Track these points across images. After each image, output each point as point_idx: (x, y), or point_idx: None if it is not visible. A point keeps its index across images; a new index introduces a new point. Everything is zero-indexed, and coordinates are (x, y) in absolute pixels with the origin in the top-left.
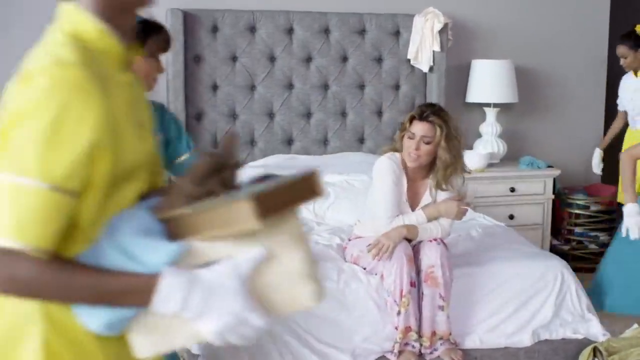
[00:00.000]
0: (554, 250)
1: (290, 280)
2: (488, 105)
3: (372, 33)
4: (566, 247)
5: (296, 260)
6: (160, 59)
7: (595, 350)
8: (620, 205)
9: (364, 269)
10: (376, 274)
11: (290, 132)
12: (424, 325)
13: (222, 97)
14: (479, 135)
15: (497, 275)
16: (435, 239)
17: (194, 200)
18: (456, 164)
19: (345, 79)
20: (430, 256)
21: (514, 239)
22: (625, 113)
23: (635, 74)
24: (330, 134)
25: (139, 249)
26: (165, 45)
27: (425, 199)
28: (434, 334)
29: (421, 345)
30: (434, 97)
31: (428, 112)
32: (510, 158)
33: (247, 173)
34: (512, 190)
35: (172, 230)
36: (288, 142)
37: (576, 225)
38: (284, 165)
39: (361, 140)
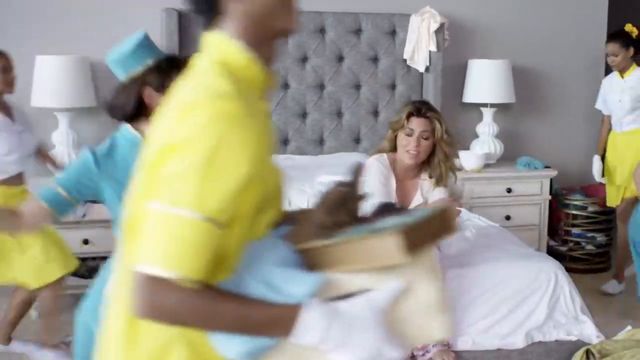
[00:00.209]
0: (551, 251)
1: (423, 313)
2: (485, 105)
3: (368, 33)
4: (563, 248)
5: (431, 292)
6: None
7: (588, 353)
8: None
9: None
10: None
11: (286, 132)
12: None
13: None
14: (476, 136)
15: (490, 276)
16: None
17: (324, 230)
18: (453, 158)
19: (341, 79)
20: None
21: (508, 239)
22: (610, 117)
23: (621, 74)
24: (326, 134)
25: (280, 280)
26: None
27: (417, 199)
28: None
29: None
30: (430, 97)
31: (424, 108)
32: (507, 158)
33: (367, 204)
34: (509, 190)
35: (309, 261)
36: (284, 142)
37: (573, 226)
38: (280, 165)
39: (357, 141)
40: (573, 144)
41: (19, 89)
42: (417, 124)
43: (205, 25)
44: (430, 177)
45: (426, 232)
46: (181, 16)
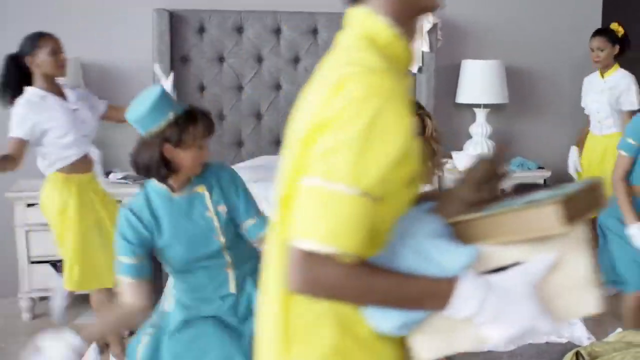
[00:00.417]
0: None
1: (574, 286)
2: (478, 106)
3: None
4: None
5: (582, 265)
6: (204, 146)
7: (578, 355)
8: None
9: None
10: None
11: (278, 133)
12: None
13: (209, 98)
14: (469, 136)
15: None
16: None
17: (470, 206)
18: (441, 156)
19: None
20: None
21: None
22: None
23: (602, 74)
24: None
25: (436, 252)
26: (206, 131)
27: None
28: None
29: None
30: (423, 97)
31: (415, 106)
32: None
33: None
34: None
35: (461, 234)
36: (276, 144)
37: None
38: (273, 166)
39: None
40: (566, 144)
41: None
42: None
43: (349, 1)
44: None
45: (580, 205)
46: (172, 16)
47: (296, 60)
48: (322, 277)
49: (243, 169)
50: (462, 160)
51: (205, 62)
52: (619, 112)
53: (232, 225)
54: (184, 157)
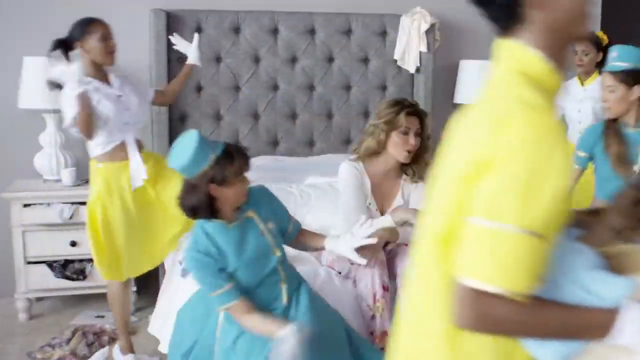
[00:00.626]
0: None
1: None
2: None
3: (358, 33)
4: None
5: None
6: (245, 178)
7: None
8: None
9: (339, 273)
10: (350, 279)
11: (276, 133)
12: None
13: (206, 99)
14: None
15: None
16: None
17: (619, 234)
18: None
19: (331, 80)
20: (406, 259)
21: None
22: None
23: (581, 82)
24: (316, 135)
25: (595, 283)
26: (245, 165)
27: (397, 201)
28: None
29: None
30: (421, 98)
31: (415, 105)
32: None
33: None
34: None
35: (616, 265)
36: (273, 144)
37: None
38: (270, 167)
39: (347, 142)
40: None
41: (6, 91)
42: (412, 122)
43: (501, 33)
44: (414, 174)
45: None
46: (169, 17)
47: (293, 60)
48: (492, 314)
49: None
50: None
51: (202, 62)
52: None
53: (280, 237)
54: (229, 193)
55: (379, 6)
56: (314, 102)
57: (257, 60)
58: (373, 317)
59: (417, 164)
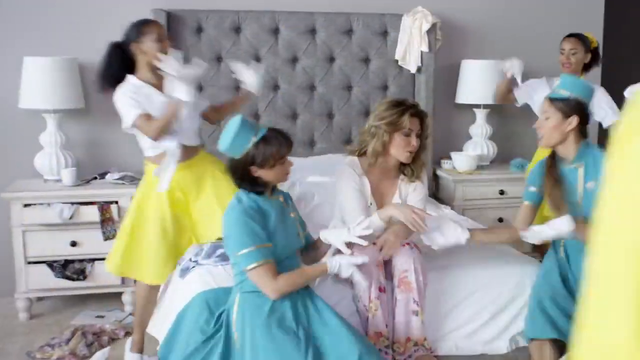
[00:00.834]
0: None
1: None
2: (478, 106)
3: (359, 33)
4: None
5: None
6: (285, 161)
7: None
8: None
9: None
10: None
11: None
12: (397, 331)
13: (207, 98)
14: (469, 137)
15: (474, 279)
16: (407, 243)
17: None
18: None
19: (332, 80)
20: (404, 261)
21: None
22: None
23: None
24: (317, 135)
25: None
26: (284, 148)
27: (395, 200)
28: (408, 339)
29: (394, 351)
30: (422, 98)
31: (417, 106)
32: (500, 160)
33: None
34: (502, 192)
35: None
36: None
37: None
38: None
39: (348, 142)
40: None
41: (6, 91)
42: (414, 124)
43: None
44: (412, 174)
45: None
46: (170, 17)
47: (294, 60)
48: None
49: None
50: (462, 162)
51: (204, 61)
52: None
53: (302, 229)
54: (269, 174)
55: (380, 6)
56: (315, 102)
57: (257, 60)
58: (367, 318)
59: (414, 163)
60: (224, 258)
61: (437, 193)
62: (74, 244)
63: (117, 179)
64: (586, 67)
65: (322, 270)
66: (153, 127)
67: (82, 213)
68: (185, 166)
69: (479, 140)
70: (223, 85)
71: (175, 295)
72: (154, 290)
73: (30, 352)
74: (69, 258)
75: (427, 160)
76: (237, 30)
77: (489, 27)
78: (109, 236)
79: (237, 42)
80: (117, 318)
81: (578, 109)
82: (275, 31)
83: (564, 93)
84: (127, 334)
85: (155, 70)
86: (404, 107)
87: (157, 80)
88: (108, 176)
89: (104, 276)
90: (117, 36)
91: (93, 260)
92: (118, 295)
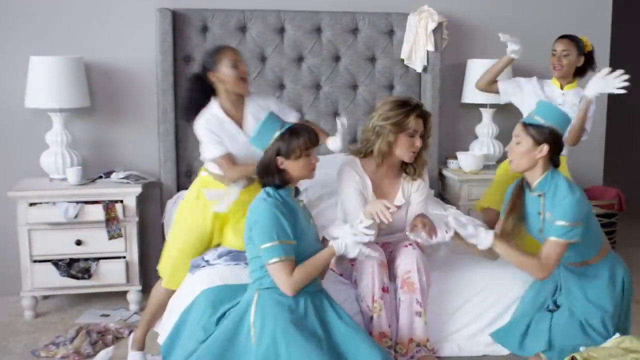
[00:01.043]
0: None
1: None
2: (484, 106)
3: (365, 32)
4: None
5: None
6: (311, 153)
7: None
8: None
9: (341, 275)
10: (350, 280)
11: None
12: (400, 332)
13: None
14: (475, 137)
15: (477, 281)
16: (410, 244)
17: None
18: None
19: (338, 79)
20: (407, 261)
21: None
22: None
23: (561, 86)
24: None
25: None
26: (309, 142)
27: (398, 199)
28: (411, 340)
29: (396, 352)
30: (428, 97)
31: (421, 106)
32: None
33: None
34: None
35: None
36: None
37: None
38: None
39: (354, 141)
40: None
41: (12, 90)
42: (419, 124)
43: None
44: (414, 172)
45: None
46: (175, 16)
47: (300, 59)
48: None
49: None
50: (467, 161)
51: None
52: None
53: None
54: (295, 167)
55: (385, 5)
56: (321, 101)
57: (263, 59)
58: (371, 318)
59: (416, 162)
60: (234, 258)
61: (443, 193)
62: (79, 242)
63: (123, 178)
64: (580, 72)
65: (330, 253)
66: (234, 172)
67: (87, 212)
68: (243, 191)
69: (485, 140)
70: None
71: (181, 292)
72: (170, 295)
73: (35, 351)
74: (74, 257)
75: (433, 158)
76: (243, 29)
77: (496, 26)
78: (113, 235)
79: (243, 41)
80: (122, 317)
81: (550, 138)
82: (281, 30)
83: (539, 120)
84: (132, 333)
85: (236, 99)
86: (409, 107)
87: (237, 110)
88: (113, 175)
89: (108, 275)
90: (124, 35)
91: (98, 259)
92: (123, 294)
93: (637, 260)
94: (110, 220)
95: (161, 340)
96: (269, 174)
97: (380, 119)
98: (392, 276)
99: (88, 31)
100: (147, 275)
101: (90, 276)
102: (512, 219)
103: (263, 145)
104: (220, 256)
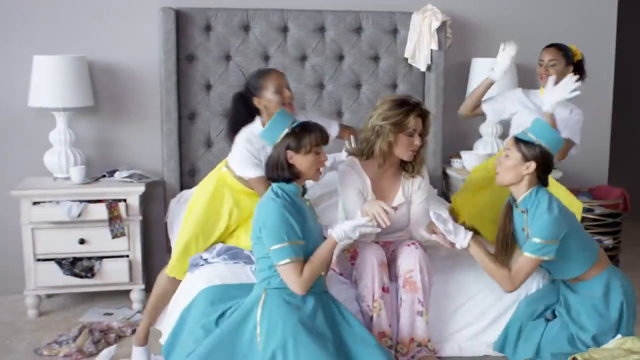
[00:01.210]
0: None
1: None
2: None
3: (369, 31)
4: None
5: None
6: (321, 152)
7: None
8: None
9: (341, 274)
10: (350, 280)
11: None
12: (402, 331)
13: (216, 97)
14: (479, 136)
15: (478, 281)
16: (412, 243)
17: None
18: None
19: (341, 78)
20: (409, 261)
21: None
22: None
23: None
24: None
25: None
26: (320, 139)
27: (398, 198)
28: (412, 340)
29: (397, 351)
30: (432, 96)
31: (420, 105)
32: None
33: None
34: None
35: None
36: None
37: None
38: None
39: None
40: (579, 144)
41: (16, 89)
42: (418, 124)
43: None
44: (412, 169)
45: None
46: (178, 15)
47: (303, 58)
48: None
49: None
50: (471, 161)
51: (212, 60)
52: None
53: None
54: (303, 162)
55: (389, 4)
56: (324, 101)
57: (266, 58)
58: (371, 318)
59: (414, 160)
60: (232, 256)
61: (446, 192)
62: (82, 241)
63: (126, 177)
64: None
65: (331, 244)
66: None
67: (91, 211)
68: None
69: (489, 139)
70: (232, 84)
71: (181, 291)
72: (173, 286)
73: (37, 349)
74: (78, 256)
75: (437, 158)
76: (246, 28)
77: (500, 25)
78: (116, 234)
79: (246, 40)
80: (124, 315)
81: (540, 157)
82: (284, 29)
83: (531, 137)
84: (135, 331)
85: None
86: (408, 107)
87: None
88: (117, 174)
89: (112, 274)
90: (127, 34)
91: (101, 258)
92: (126, 293)
93: None
94: (114, 219)
95: (163, 339)
96: (278, 168)
97: (380, 119)
98: (393, 275)
99: (91, 30)
100: (150, 274)
101: (93, 275)
102: (503, 235)
103: (273, 140)
104: (219, 254)
